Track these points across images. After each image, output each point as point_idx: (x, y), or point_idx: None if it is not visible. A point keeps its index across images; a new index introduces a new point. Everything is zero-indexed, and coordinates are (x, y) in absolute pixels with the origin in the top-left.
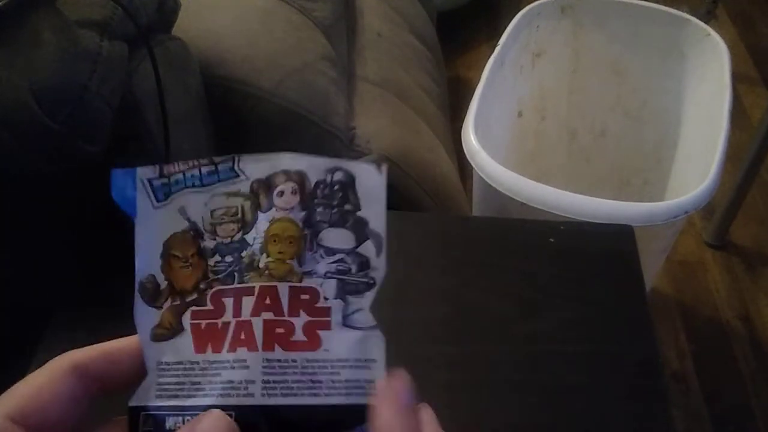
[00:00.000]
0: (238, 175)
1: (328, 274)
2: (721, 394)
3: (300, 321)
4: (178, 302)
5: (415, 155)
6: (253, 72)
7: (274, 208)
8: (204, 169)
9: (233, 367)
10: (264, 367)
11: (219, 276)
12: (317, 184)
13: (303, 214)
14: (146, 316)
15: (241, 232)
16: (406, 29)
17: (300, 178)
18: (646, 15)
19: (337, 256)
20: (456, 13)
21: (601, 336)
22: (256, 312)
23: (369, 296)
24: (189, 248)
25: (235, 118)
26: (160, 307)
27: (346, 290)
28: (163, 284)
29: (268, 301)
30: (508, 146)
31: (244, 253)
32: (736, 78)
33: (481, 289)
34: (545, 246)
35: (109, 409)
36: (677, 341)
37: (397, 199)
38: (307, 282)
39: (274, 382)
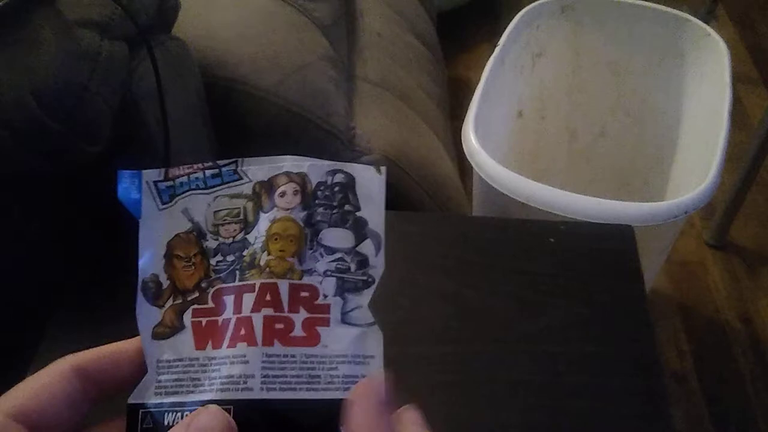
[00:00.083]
0: (241, 178)
1: (328, 272)
2: (721, 394)
3: (299, 317)
4: (179, 301)
5: (415, 155)
6: (253, 72)
7: (275, 208)
8: (208, 172)
9: (233, 362)
10: (263, 361)
11: (220, 275)
12: (318, 185)
13: (304, 213)
14: (148, 315)
15: (243, 232)
16: (406, 29)
17: (301, 179)
18: (646, 15)
19: (337, 255)
20: (456, 13)
21: (601, 336)
22: (256, 308)
23: (367, 294)
24: (192, 248)
25: (235, 118)
26: (161, 306)
27: (345, 288)
28: (166, 283)
29: (268, 298)
30: (508, 146)
31: (245, 252)
32: (736, 78)
33: (481, 289)
34: (545, 246)
35: (109, 409)
36: (677, 341)
37: (397, 199)
38: (307, 279)
39: (273, 376)
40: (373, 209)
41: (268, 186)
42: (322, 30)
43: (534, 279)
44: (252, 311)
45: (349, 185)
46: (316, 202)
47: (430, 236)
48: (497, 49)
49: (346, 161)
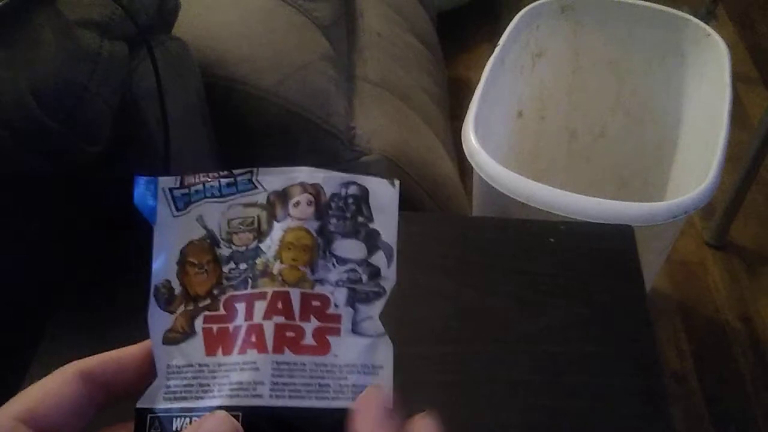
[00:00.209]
0: (255, 187)
1: (340, 283)
2: (721, 394)
3: (310, 326)
4: (191, 307)
5: (415, 155)
6: (253, 72)
7: (289, 218)
8: (223, 181)
9: (243, 369)
10: (273, 369)
11: (233, 282)
12: (332, 196)
13: (317, 224)
14: (159, 320)
15: (256, 241)
16: (406, 29)
17: (316, 190)
18: (646, 15)
19: (349, 266)
20: (456, 13)
21: (601, 336)
22: (267, 316)
23: (378, 305)
24: (205, 255)
25: (235, 118)
26: (173, 312)
27: (356, 299)
28: (178, 289)
29: (280, 306)
30: (508, 146)
31: (258, 261)
32: (736, 78)
33: (481, 289)
34: (545, 246)
35: (116, 413)
36: (677, 341)
37: None
38: (318, 289)
39: (283, 384)
40: (385, 221)
41: (282, 196)
42: (322, 30)
43: (534, 279)
44: (263, 319)
45: (362, 197)
46: (330, 213)
47: (430, 236)
48: (497, 49)
49: (346, 161)
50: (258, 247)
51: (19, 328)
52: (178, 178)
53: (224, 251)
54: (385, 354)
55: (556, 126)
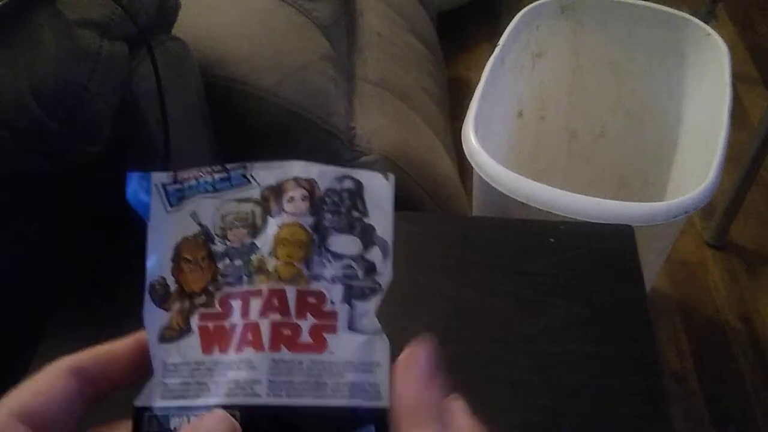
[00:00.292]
0: (249, 182)
1: (335, 279)
2: (721, 394)
3: (307, 323)
4: (186, 304)
5: (415, 155)
6: (253, 72)
7: (283, 214)
8: (217, 176)
9: (239, 368)
10: (270, 367)
11: (228, 279)
12: (327, 191)
13: (312, 219)
14: (155, 318)
15: (251, 237)
16: (406, 29)
17: (310, 185)
18: (646, 15)
19: (345, 261)
20: (456, 13)
21: (601, 336)
22: (264, 313)
23: (375, 301)
24: (199, 251)
25: (235, 118)
26: (168, 309)
27: (352, 295)
28: (173, 286)
29: (275, 303)
30: (508, 146)
31: (253, 257)
32: (736, 78)
33: (481, 289)
34: (545, 246)
35: (112, 412)
36: (677, 341)
37: (397, 199)
38: (314, 285)
39: (280, 382)
40: (381, 216)
41: (276, 191)
42: (322, 30)
43: (534, 279)
44: (259, 316)
45: (357, 192)
46: (325, 208)
47: (430, 236)
48: (497, 49)
49: (346, 161)
50: (253, 243)
51: (19, 328)
52: (171, 173)
53: (219, 247)
54: (382, 351)
55: (556, 126)
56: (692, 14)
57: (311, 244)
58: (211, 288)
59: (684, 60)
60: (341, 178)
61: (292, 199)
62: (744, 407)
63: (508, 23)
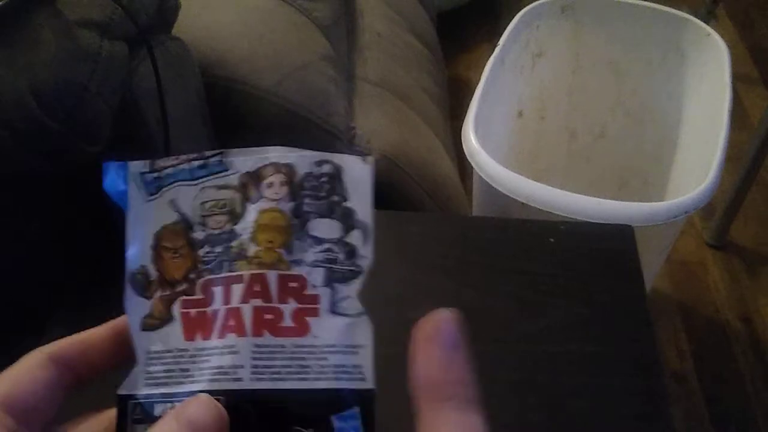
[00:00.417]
0: (227, 169)
1: (316, 263)
2: (721, 394)
3: (289, 308)
4: (168, 292)
5: (415, 155)
6: (253, 72)
7: (263, 199)
8: (194, 163)
9: (222, 353)
10: (253, 352)
11: (209, 266)
12: (305, 176)
13: (291, 204)
14: (136, 306)
15: (230, 223)
16: (406, 29)
17: (288, 170)
18: (646, 15)
19: (325, 245)
20: (456, 13)
21: (601, 336)
22: (245, 299)
23: (356, 284)
24: (179, 240)
25: (235, 118)
26: (150, 297)
27: (333, 278)
28: (154, 275)
29: (257, 289)
30: (508, 146)
31: (233, 243)
32: (736, 78)
33: (481, 289)
34: (545, 246)
35: (97, 401)
36: (677, 341)
37: (397, 199)
38: (295, 270)
39: (263, 366)
40: (360, 199)
41: (255, 177)
42: (322, 30)
43: (534, 279)
44: (241, 302)
45: (336, 176)
46: (304, 192)
47: (430, 236)
48: (497, 49)
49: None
50: (233, 230)
51: (19, 328)
52: (148, 162)
53: (199, 235)
54: (365, 333)
55: (556, 126)
56: (692, 14)
57: (291, 228)
58: (192, 275)
59: (684, 60)
60: (320, 163)
61: (271, 184)
62: (744, 407)
63: (508, 23)
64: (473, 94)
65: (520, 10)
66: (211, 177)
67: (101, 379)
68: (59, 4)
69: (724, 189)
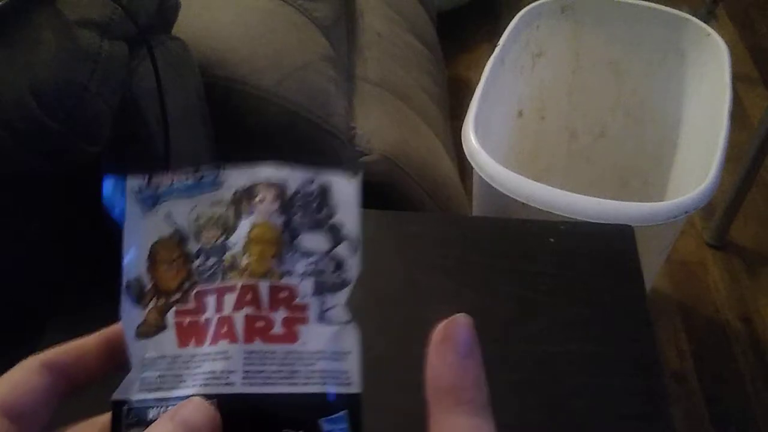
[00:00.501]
0: (221, 185)
1: (306, 274)
2: (721, 394)
3: (279, 316)
4: (162, 301)
5: (415, 155)
6: (253, 72)
7: (255, 214)
8: (190, 180)
9: (215, 359)
10: (245, 358)
11: (202, 276)
12: (295, 192)
13: (282, 218)
14: (132, 315)
15: (223, 237)
16: (406, 29)
17: (280, 187)
18: (646, 15)
19: (314, 258)
20: (456, 13)
21: (601, 336)
22: (237, 308)
23: (344, 294)
24: (174, 251)
25: (235, 118)
26: (145, 307)
27: (322, 289)
28: (149, 285)
29: (248, 298)
30: (508, 146)
31: (226, 256)
32: (736, 78)
33: (481, 289)
34: (545, 246)
35: (88, 409)
36: (677, 341)
37: (397, 199)
38: (285, 280)
39: (255, 372)
40: (347, 214)
41: (247, 193)
42: (322, 30)
43: (534, 279)
44: (233, 310)
45: (325, 192)
46: (294, 208)
47: (430, 236)
48: (497, 49)
49: (346, 161)
50: (225, 243)
51: (19, 328)
52: (146, 177)
53: (193, 247)
54: (351, 340)
55: (556, 126)
56: (692, 14)
57: (282, 242)
58: (185, 285)
59: (684, 60)
60: (310, 179)
61: (263, 200)
62: (744, 407)
63: (508, 23)
64: (473, 94)
65: (520, 10)
66: (206, 192)
67: (96, 385)
68: (59, 4)
69: (724, 189)
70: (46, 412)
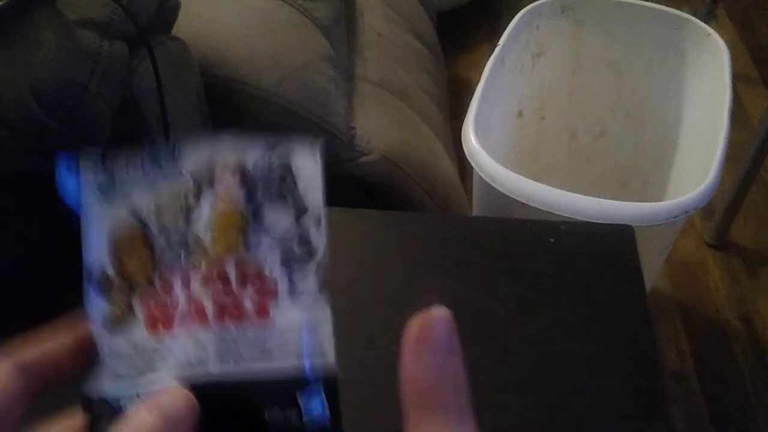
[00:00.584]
0: (179, 162)
1: (272, 248)
2: (721, 394)
3: (248, 293)
4: (127, 290)
5: (415, 155)
6: (253, 72)
7: (215, 191)
8: (146, 159)
9: (186, 344)
10: (216, 339)
11: (166, 260)
12: (256, 164)
13: (243, 192)
14: (97, 305)
15: (185, 218)
16: (406, 29)
17: (240, 159)
18: (646, 15)
19: (279, 230)
20: (456, 13)
21: (601, 336)
22: (204, 288)
23: (312, 264)
24: (135, 236)
25: (235, 118)
26: (110, 297)
27: (289, 261)
28: (112, 274)
29: (215, 277)
30: (508, 146)
31: (189, 236)
32: (736, 78)
33: (481, 289)
34: (545, 246)
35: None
36: (677, 341)
37: (397, 199)
38: (252, 257)
39: (228, 352)
40: (310, 183)
41: (207, 169)
42: (322, 30)
43: (534, 279)
44: (201, 292)
45: (285, 163)
46: (255, 181)
47: (430, 236)
48: (497, 49)
49: (346, 161)
50: (188, 225)
51: (19, 328)
52: (99, 161)
53: (154, 230)
54: (322, 311)
55: (556, 126)
56: (692, 14)
57: (245, 217)
58: (150, 270)
59: (684, 60)
60: (270, 150)
61: (223, 175)
62: (744, 407)
63: (508, 23)
64: (473, 94)
65: (520, 10)
66: (164, 173)
67: (73, 380)
68: (59, 4)
69: (724, 189)
70: (20, 411)
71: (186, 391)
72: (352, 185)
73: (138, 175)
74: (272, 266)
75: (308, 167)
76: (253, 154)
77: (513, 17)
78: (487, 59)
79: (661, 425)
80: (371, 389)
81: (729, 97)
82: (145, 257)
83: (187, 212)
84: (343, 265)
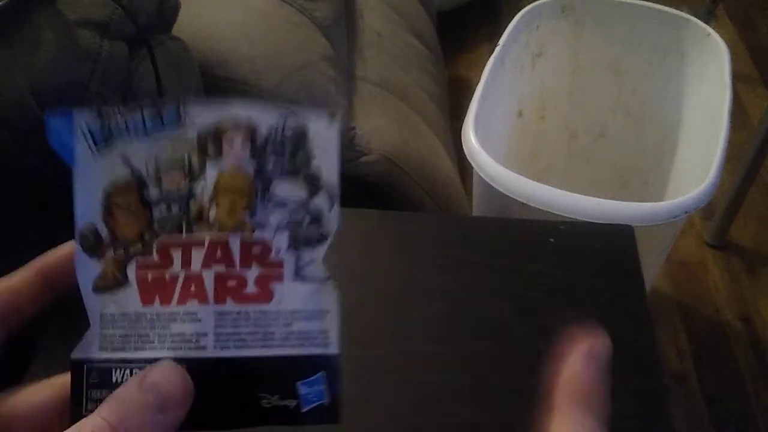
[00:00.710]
0: (184, 121)
1: (281, 227)
2: (721, 394)
3: (252, 273)
4: (121, 252)
5: (415, 155)
6: (253, 72)
7: (223, 158)
8: (147, 114)
9: (183, 320)
10: (216, 319)
11: (165, 226)
12: (269, 133)
13: (254, 163)
14: (87, 267)
15: (188, 182)
16: (406, 29)
17: (250, 126)
18: (646, 15)
19: (290, 208)
20: (456, 13)
21: None
22: (206, 265)
23: (322, 248)
24: (131, 196)
25: None
26: (101, 257)
27: (298, 243)
28: (104, 233)
29: (218, 254)
30: (508, 146)
31: (192, 204)
32: (736, 78)
33: (481, 289)
34: (545, 246)
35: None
36: (677, 341)
37: (397, 199)
38: (258, 235)
39: (227, 334)
40: (326, 160)
41: (214, 132)
42: (322, 30)
43: (534, 279)
44: (202, 268)
45: (300, 134)
46: (267, 150)
47: (430, 236)
48: (497, 49)
49: (346, 161)
50: (191, 189)
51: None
52: (96, 110)
53: (153, 192)
54: (330, 298)
55: (556, 126)
56: (692, 14)
57: (254, 189)
58: (146, 236)
59: (684, 60)
60: (284, 119)
61: (231, 141)
62: (744, 407)
63: (508, 23)
64: (473, 94)
65: (520, 10)
66: (166, 130)
67: (50, 345)
68: (59, 4)
69: (724, 189)
70: (31, 309)
71: (182, 370)
72: (352, 185)
73: (138, 131)
74: (279, 247)
75: (326, 141)
76: (266, 121)
77: (513, 17)
78: (487, 59)
79: (661, 425)
80: (371, 389)
81: (729, 97)
82: (141, 219)
83: (191, 178)
84: (343, 264)
